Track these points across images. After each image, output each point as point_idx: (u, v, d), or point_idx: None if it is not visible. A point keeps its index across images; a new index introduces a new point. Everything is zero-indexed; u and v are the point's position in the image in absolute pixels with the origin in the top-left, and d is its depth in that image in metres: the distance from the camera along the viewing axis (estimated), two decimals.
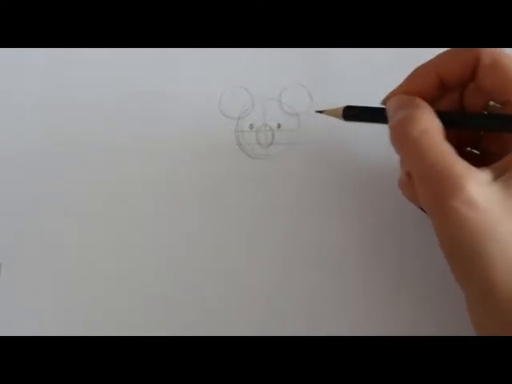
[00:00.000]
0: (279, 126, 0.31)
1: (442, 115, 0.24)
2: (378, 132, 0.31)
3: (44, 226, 0.30)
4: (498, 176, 0.22)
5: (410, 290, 0.28)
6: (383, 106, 0.26)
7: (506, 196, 0.21)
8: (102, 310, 0.29)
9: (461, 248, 0.22)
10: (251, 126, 0.31)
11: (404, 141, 0.23)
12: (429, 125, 0.23)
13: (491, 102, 0.25)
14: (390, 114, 0.25)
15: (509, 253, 0.21)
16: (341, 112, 0.27)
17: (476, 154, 0.26)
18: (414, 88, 0.25)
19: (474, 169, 0.22)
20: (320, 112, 0.28)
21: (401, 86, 0.26)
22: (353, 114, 0.27)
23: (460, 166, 0.21)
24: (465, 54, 0.24)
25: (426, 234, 0.29)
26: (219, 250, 0.30)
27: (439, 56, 0.25)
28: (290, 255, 0.29)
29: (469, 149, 0.26)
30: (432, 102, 0.25)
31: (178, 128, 0.31)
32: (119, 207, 0.30)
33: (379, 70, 0.31)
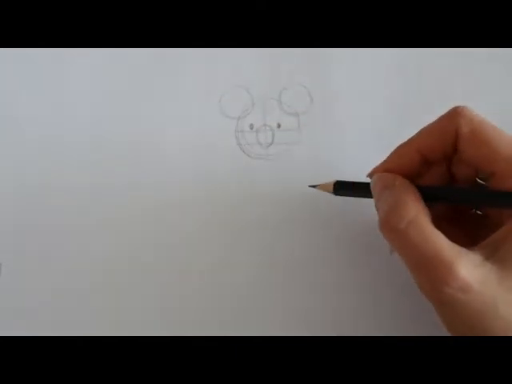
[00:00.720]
0: (279, 126, 0.31)
1: (427, 191, 0.24)
2: (378, 132, 0.31)
3: (44, 226, 0.30)
4: (489, 254, 0.22)
5: (409, 290, 0.28)
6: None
7: (500, 273, 0.21)
8: (102, 310, 0.29)
9: (465, 331, 0.22)
10: (251, 126, 0.31)
11: (392, 234, 0.23)
12: (414, 214, 0.22)
13: (477, 179, 0.24)
14: (374, 194, 0.25)
15: (510, 328, 0.21)
16: (331, 186, 0.28)
17: (474, 216, 0.26)
18: (396, 166, 0.25)
19: (464, 251, 0.21)
20: (313, 187, 0.29)
21: (384, 162, 0.26)
22: (343, 188, 0.27)
23: (449, 251, 0.21)
24: (444, 128, 0.24)
25: None
26: (219, 250, 0.30)
27: (419, 133, 0.25)
28: (290, 255, 0.29)
29: (474, 210, 0.26)
30: (417, 176, 0.25)
31: (178, 128, 0.31)
32: (119, 207, 0.30)
33: (379, 70, 0.32)
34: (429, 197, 0.24)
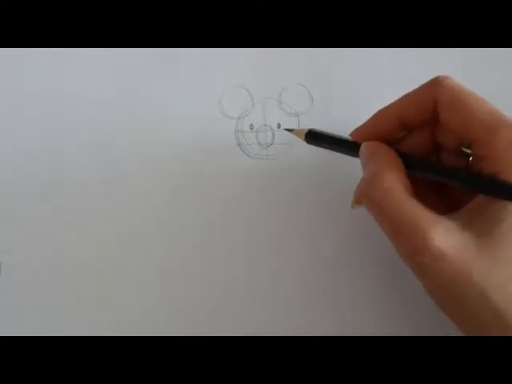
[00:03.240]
0: (279, 126, 0.31)
1: (410, 160, 0.24)
2: None
3: (44, 226, 0.30)
4: (466, 222, 0.22)
5: (409, 290, 0.28)
6: (345, 138, 0.27)
7: (476, 241, 0.21)
8: (101, 310, 0.29)
9: (445, 299, 0.22)
10: (251, 126, 0.31)
11: (369, 204, 0.23)
12: (389, 184, 0.23)
13: (462, 148, 0.24)
14: (362, 163, 0.25)
15: (486, 294, 0.21)
16: (303, 134, 0.28)
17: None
18: (376, 130, 0.26)
19: (440, 219, 0.22)
20: (289, 130, 0.29)
21: (364, 125, 0.27)
22: (315, 138, 0.28)
23: (424, 219, 0.21)
24: (424, 95, 0.25)
25: None
26: (219, 250, 0.30)
27: (399, 100, 0.26)
28: (290, 255, 0.29)
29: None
30: (399, 141, 0.26)
31: (178, 128, 0.31)
32: (119, 207, 0.30)
33: (379, 70, 0.32)
34: (411, 166, 0.24)
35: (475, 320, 0.21)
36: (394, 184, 0.23)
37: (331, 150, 0.28)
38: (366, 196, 0.23)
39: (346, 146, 0.27)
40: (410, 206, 0.22)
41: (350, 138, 0.27)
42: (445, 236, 0.21)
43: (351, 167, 0.30)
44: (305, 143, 0.30)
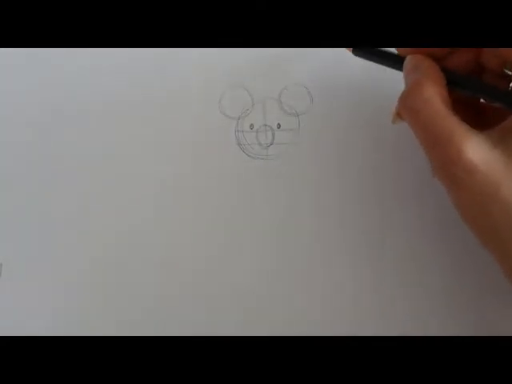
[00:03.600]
0: (279, 126, 0.31)
1: (453, 77, 0.25)
2: (378, 132, 0.31)
3: (44, 226, 0.30)
4: (498, 140, 0.22)
5: (409, 290, 0.28)
6: (392, 52, 0.28)
7: (507, 159, 0.22)
8: (101, 310, 0.29)
9: (471, 212, 0.23)
10: (251, 126, 0.31)
11: (407, 112, 0.24)
12: (429, 94, 0.23)
13: (504, 70, 0.25)
14: (405, 75, 0.26)
15: (509, 212, 0.21)
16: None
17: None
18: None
19: (475, 133, 0.22)
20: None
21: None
22: (362, 51, 0.29)
23: (460, 131, 0.22)
24: None
25: (427, 234, 0.29)
26: (219, 250, 0.30)
27: None
28: (290, 255, 0.29)
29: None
30: (444, 57, 0.26)
31: (178, 128, 0.31)
32: (119, 207, 0.30)
33: (379, 70, 0.31)
34: (453, 82, 0.24)
35: (497, 234, 0.22)
36: (434, 95, 0.23)
37: (378, 63, 0.28)
38: (405, 105, 0.24)
39: (392, 59, 0.27)
40: (447, 117, 0.22)
41: (396, 52, 0.28)
42: (478, 149, 0.22)
43: (351, 167, 0.30)
44: (305, 143, 0.30)
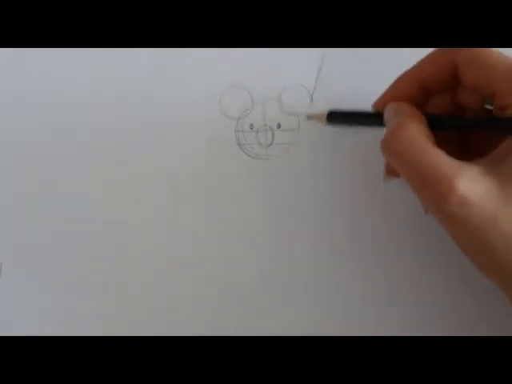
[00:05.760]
0: (279, 126, 0.31)
1: (433, 118, 0.24)
2: (378, 132, 0.31)
3: (44, 226, 0.30)
4: (490, 169, 0.22)
5: (409, 290, 0.28)
6: (367, 111, 0.27)
7: (501, 188, 0.21)
8: (101, 310, 0.29)
9: (470, 246, 0.22)
10: (251, 126, 0.31)
11: (391, 155, 0.23)
12: (413, 134, 0.23)
13: (485, 106, 0.25)
14: (385, 122, 0.25)
15: (510, 243, 0.21)
16: (324, 116, 0.29)
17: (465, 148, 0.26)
18: (397, 96, 0.26)
19: (464, 164, 0.22)
20: (309, 117, 0.30)
21: (384, 93, 0.27)
22: (336, 118, 0.28)
23: (448, 166, 0.21)
24: (442, 56, 0.25)
25: (426, 233, 0.29)
26: (219, 250, 0.30)
27: (417, 65, 0.26)
28: (290, 255, 0.29)
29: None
30: (420, 105, 0.26)
31: (178, 128, 0.31)
32: (119, 207, 0.30)
33: (379, 70, 0.31)
34: (435, 124, 0.24)
35: (500, 266, 0.22)
36: (416, 134, 0.23)
37: (355, 125, 0.28)
38: (388, 148, 0.23)
39: (370, 118, 0.27)
40: (433, 154, 0.22)
41: (371, 110, 0.28)
42: (470, 182, 0.21)
43: (351, 167, 0.30)
44: (305, 143, 0.30)
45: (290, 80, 0.32)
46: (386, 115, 0.26)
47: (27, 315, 0.29)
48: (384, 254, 0.29)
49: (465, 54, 0.24)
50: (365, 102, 0.30)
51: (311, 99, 0.31)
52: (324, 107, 0.29)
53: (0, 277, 0.30)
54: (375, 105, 0.27)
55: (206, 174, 0.30)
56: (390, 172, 0.26)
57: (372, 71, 0.32)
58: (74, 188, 0.31)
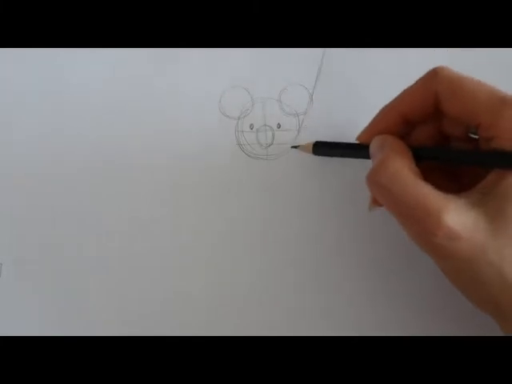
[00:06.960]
0: (279, 126, 0.31)
1: (415, 151, 0.24)
2: None
3: (44, 226, 0.30)
4: (478, 200, 0.21)
5: (409, 290, 0.28)
6: (352, 142, 0.27)
7: (489, 219, 0.21)
8: (101, 310, 0.29)
9: (460, 278, 0.22)
10: (251, 126, 0.31)
11: (376, 189, 0.23)
12: (396, 168, 0.22)
13: (470, 134, 0.25)
14: (371, 155, 0.25)
15: (503, 271, 0.21)
16: (310, 147, 0.29)
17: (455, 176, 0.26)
18: (380, 129, 0.26)
19: (450, 197, 0.21)
20: (295, 147, 0.30)
21: (368, 126, 0.27)
22: (322, 149, 0.29)
23: (435, 199, 0.21)
24: (423, 89, 0.25)
25: None
26: (219, 250, 0.30)
27: (399, 96, 0.26)
28: (290, 255, 0.29)
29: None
30: (404, 136, 0.26)
31: (178, 128, 0.31)
32: (119, 207, 0.30)
33: (379, 70, 0.32)
34: (421, 156, 0.24)
35: (492, 298, 0.22)
36: (400, 168, 0.22)
37: (341, 156, 0.29)
38: (373, 182, 0.23)
39: (355, 150, 0.27)
40: (419, 188, 0.22)
41: (356, 142, 0.27)
42: (457, 215, 0.21)
43: (351, 168, 0.30)
44: (304, 142, 0.30)
45: (290, 80, 0.32)
46: (372, 149, 0.25)
47: (27, 315, 0.29)
48: (384, 254, 0.29)
49: (446, 86, 0.24)
50: (365, 102, 0.30)
51: (311, 99, 0.31)
52: (310, 140, 0.30)
53: (0, 277, 0.30)
54: (359, 138, 0.27)
55: (206, 173, 0.30)
56: (375, 202, 0.26)
57: (372, 71, 0.32)
58: (74, 188, 0.31)
